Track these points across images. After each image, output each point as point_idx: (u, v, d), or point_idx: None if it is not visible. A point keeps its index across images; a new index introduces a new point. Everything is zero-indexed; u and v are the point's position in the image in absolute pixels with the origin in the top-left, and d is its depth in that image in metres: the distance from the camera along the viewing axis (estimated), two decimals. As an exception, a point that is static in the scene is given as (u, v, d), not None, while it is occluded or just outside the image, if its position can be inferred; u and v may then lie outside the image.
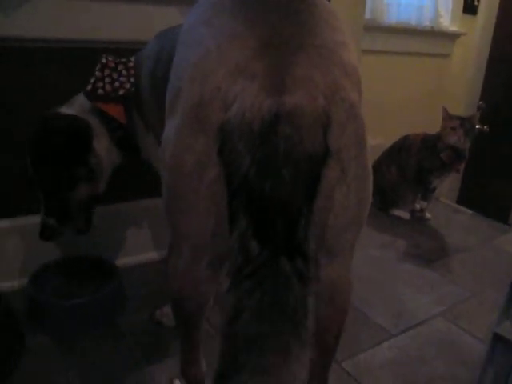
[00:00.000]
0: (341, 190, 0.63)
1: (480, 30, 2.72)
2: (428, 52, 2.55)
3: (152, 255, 1.63)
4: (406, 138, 2.24)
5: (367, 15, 2.14)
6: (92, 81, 1.17)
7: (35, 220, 1.37)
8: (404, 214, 2.26)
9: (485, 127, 2.63)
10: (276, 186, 0.57)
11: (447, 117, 2.07)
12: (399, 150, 2.22)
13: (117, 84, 1.17)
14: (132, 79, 1.17)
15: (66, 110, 1.19)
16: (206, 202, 0.63)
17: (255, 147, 0.56)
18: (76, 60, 1.37)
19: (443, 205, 2.55)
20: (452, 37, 2.62)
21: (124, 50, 1.32)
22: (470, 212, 2.44)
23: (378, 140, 2.20)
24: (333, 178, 0.61)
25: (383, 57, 2.34)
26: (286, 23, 0.62)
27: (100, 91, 1.16)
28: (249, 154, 0.57)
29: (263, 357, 0.55)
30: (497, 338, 0.65)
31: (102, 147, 1.20)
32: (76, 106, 1.20)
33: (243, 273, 0.59)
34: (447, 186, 2.81)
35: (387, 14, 2.26)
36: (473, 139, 2.12)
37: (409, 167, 2.18)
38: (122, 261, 1.54)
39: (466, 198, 2.84)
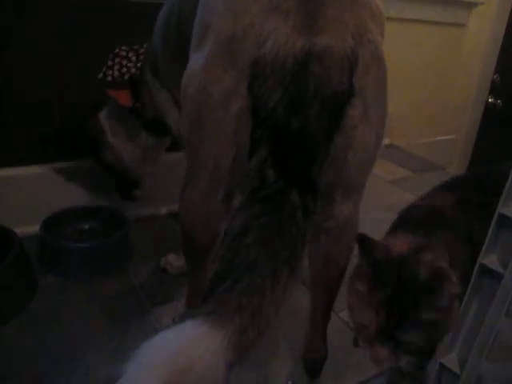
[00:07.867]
0: (363, 128, 0.65)
1: (498, -1, 2.67)
2: (443, 21, 2.50)
3: (159, 209, 1.68)
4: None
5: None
6: (103, 69, 1.23)
7: (49, 168, 1.42)
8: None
9: (498, 101, 2.61)
10: (302, 122, 0.59)
11: None
12: None
13: (124, 70, 1.23)
14: (139, 64, 1.22)
15: (103, 112, 1.34)
16: (229, 133, 0.65)
17: (286, 83, 0.59)
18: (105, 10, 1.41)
19: (451, 176, 2.54)
20: (468, 6, 2.56)
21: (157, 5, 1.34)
22: (478, 184, 2.42)
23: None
24: (356, 116, 0.63)
25: (396, 24, 2.31)
26: None
27: (109, 78, 1.23)
28: (279, 90, 0.59)
29: (254, 279, 0.56)
30: (482, 269, 0.67)
31: (120, 140, 1.33)
32: (110, 104, 1.32)
33: (256, 196, 0.61)
34: (457, 158, 2.80)
35: (402, -20, 2.22)
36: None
37: None
38: (131, 213, 1.58)
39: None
